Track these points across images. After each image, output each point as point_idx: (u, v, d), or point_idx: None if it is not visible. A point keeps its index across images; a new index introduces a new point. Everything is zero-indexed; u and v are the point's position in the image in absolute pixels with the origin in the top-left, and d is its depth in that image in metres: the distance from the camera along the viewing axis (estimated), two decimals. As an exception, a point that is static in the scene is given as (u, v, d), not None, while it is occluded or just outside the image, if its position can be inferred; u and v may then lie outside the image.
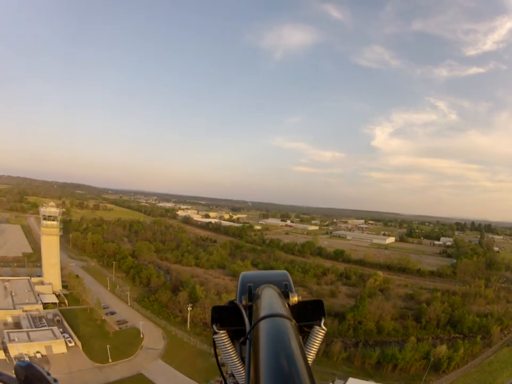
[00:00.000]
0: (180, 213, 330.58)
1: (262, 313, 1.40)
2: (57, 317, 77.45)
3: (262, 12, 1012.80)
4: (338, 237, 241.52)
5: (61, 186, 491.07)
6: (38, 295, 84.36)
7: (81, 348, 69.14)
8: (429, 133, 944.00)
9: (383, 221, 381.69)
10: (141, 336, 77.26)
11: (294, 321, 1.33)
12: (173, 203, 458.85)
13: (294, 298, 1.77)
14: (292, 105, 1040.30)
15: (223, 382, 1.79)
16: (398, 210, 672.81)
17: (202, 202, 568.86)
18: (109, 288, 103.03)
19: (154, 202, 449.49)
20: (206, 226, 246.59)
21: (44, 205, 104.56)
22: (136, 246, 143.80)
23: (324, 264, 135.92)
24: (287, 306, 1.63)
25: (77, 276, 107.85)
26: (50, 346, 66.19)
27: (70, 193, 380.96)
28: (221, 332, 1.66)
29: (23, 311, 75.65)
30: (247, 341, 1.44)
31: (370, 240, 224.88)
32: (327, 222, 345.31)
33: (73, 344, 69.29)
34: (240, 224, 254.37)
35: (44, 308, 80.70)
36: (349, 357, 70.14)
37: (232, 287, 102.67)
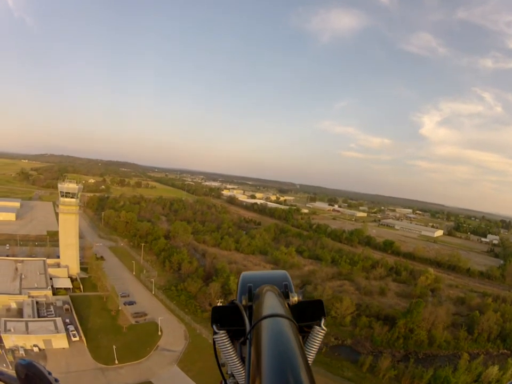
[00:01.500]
0: (225, 192, 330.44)
1: (262, 313, 1.43)
2: (66, 305, 70.25)
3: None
4: (387, 226, 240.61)
5: (105, 164, 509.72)
6: (51, 278, 77.91)
7: (85, 344, 60.50)
8: (475, 124, 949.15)
9: (430, 212, 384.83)
10: (159, 333, 67.01)
11: (294, 321, 1.36)
12: (219, 182, 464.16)
13: (294, 298, 1.80)
14: (340, 89, 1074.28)
15: (223, 382, 1.83)
16: (443, 202, 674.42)
17: (250, 183, 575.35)
18: (134, 273, 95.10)
19: (200, 181, 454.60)
20: (251, 207, 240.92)
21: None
22: (171, 226, 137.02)
23: (373, 256, 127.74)
24: (287, 306, 1.67)
25: (101, 257, 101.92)
26: (49, 340, 58.63)
27: (114, 171, 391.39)
28: (221, 332, 1.69)
29: (29, 296, 69.20)
30: (247, 341, 1.47)
31: (418, 231, 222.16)
32: (375, 209, 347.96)
33: (77, 338, 60.72)
34: (287, 207, 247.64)
35: (55, 294, 74.19)
36: (397, 374, 60.54)
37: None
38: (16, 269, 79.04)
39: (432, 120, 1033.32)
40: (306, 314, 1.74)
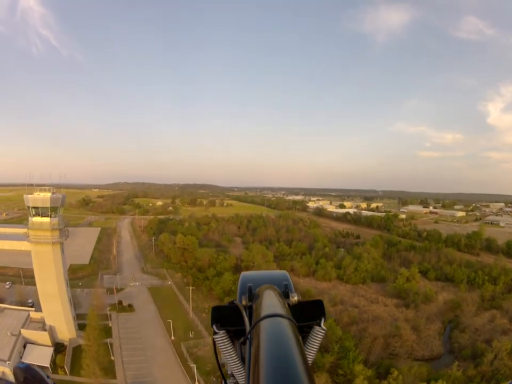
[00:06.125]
0: (311, 204, 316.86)
1: (262, 313, 1.50)
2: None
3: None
4: (491, 223, 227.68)
5: (182, 187, 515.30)
6: (25, 346, 51.30)
7: None
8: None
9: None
10: None
11: (294, 321, 1.42)
12: (302, 196, 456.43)
13: (294, 298, 1.85)
14: (406, 88, 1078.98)
15: (223, 382, 1.88)
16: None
17: (333, 194, 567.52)
18: (173, 338, 64.30)
19: (282, 196, 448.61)
20: (343, 217, 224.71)
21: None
22: (243, 252, 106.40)
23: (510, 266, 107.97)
24: (287, 306, 1.73)
25: (128, 305, 74.03)
26: None
27: (190, 193, 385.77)
28: (221, 331, 1.75)
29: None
30: (247, 341, 1.53)
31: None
32: (471, 207, 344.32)
33: None
34: (383, 213, 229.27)
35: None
36: None
37: (406, 325, 73.07)
38: (-15, 327, 54.28)
39: (497, 107, 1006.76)
40: (306, 314, 1.77)
